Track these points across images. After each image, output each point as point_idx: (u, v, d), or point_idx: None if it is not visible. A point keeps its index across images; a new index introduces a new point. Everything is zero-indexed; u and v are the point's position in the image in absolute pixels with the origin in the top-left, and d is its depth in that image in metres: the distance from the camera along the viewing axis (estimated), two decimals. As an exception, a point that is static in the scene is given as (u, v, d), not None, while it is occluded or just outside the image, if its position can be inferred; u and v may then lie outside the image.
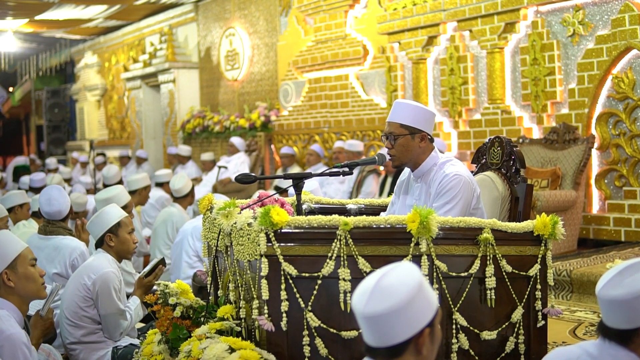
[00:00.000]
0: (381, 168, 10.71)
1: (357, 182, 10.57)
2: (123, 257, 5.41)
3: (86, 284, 5.06)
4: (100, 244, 5.31)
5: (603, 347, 2.82)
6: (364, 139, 11.92)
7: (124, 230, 5.31)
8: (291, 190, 4.26)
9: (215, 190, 12.04)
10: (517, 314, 4.04)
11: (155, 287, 4.92)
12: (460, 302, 3.89)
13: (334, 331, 3.70)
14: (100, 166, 16.73)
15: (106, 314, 5.07)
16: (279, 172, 12.89)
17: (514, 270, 3.99)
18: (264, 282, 3.65)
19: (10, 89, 28.60)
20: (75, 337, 5.09)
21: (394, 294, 2.37)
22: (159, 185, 10.58)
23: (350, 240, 3.69)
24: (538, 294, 4.09)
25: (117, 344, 5.15)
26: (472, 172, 4.64)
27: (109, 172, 10.46)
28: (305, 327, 3.69)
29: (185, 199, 8.55)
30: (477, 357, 3.95)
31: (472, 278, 3.91)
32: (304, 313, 3.69)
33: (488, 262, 3.92)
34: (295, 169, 12.48)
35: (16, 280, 3.95)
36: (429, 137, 4.38)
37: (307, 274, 3.68)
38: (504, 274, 3.97)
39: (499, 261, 3.95)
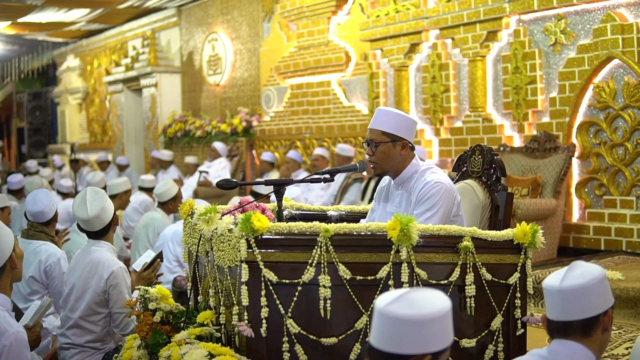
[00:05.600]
0: (364, 173, 10.71)
1: (342, 188, 10.53)
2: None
3: (99, 284, 5.00)
4: (104, 232, 5.25)
5: (557, 347, 2.86)
6: (345, 145, 11.93)
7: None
8: (273, 197, 4.26)
9: (196, 195, 12.01)
10: (497, 322, 4.05)
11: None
12: (440, 309, 3.89)
13: (314, 338, 3.69)
14: (77, 167, 16.61)
15: (120, 311, 5.03)
16: (260, 178, 12.86)
17: (493, 279, 4.00)
18: (244, 288, 3.64)
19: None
20: (78, 342, 5.03)
21: (429, 304, 2.39)
22: (144, 189, 10.55)
23: (331, 247, 3.69)
24: (517, 302, 4.10)
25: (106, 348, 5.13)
26: (452, 179, 4.66)
27: (94, 178, 10.41)
28: (285, 333, 3.68)
29: (168, 205, 8.47)
30: (456, 365, 3.95)
31: (452, 286, 3.91)
32: (284, 319, 3.68)
33: (468, 270, 3.93)
34: (274, 175, 12.47)
35: None
36: (410, 145, 4.39)
37: (287, 281, 3.68)
38: (483, 282, 3.98)
39: (479, 269, 3.96)
